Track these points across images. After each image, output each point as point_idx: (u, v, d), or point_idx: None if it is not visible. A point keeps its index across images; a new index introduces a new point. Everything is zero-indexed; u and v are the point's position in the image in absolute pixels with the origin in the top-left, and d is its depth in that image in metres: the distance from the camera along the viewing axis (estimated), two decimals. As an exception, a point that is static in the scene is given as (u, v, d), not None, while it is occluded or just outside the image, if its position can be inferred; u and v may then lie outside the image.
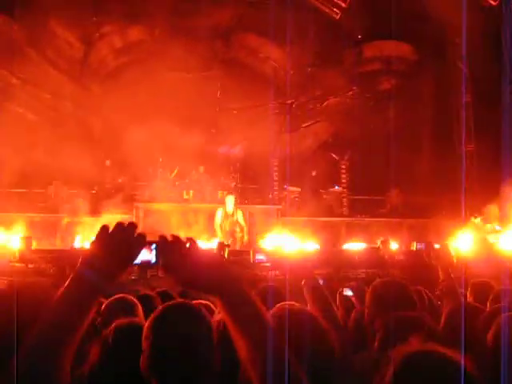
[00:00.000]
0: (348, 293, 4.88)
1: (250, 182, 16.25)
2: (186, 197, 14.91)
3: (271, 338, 1.70)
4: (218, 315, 2.63)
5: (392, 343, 2.16)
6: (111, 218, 13.46)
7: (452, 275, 5.30)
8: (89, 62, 17.01)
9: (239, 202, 13.86)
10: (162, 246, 1.86)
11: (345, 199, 16.39)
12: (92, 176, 14.29)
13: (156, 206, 14.41)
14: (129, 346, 2.43)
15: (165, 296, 4.58)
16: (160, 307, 2.42)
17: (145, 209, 14.37)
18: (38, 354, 1.70)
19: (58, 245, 13.19)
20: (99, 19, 16.35)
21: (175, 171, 15.38)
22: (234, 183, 15.55)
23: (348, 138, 16.21)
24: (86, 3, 15.78)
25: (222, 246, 11.11)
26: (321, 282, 4.27)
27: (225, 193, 14.13)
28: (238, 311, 1.76)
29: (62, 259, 8.51)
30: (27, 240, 10.40)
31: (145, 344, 2.31)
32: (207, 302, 3.43)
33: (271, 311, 2.35)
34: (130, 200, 14.44)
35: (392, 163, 13.99)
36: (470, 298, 5.23)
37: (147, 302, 4.07)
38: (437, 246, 10.09)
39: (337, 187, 16.64)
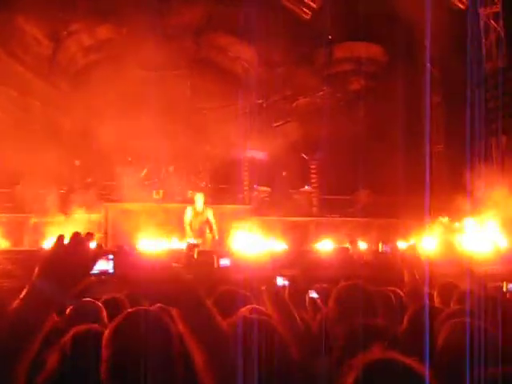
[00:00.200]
0: (313, 295, 4.89)
1: (219, 182, 16.23)
2: (155, 196, 14.85)
3: (226, 349, 1.70)
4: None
5: (352, 351, 2.18)
6: (80, 217, 13.38)
7: (417, 276, 5.36)
8: (57, 60, 16.83)
9: (209, 202, 13.83)
10: (118, 257, 1.85)
11: (315, 199, 16.46)
12: (61, 176, 14.14)
13: (125, 205, 14.31)
14: (87, 354, 2.41)
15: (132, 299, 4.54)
16: (120, 316, 2.40)
17: (114, 209, 14.27)
18: None
19: (25, 245, 13.04)
20: (67, 16, 16.18)
21: (145, 171, 15.29)
22: (204, 183, 15.53)
23: (318, 137, 16.26)
24: (53, 0, 15.59)
25: (191, 246, 11.10)
26: (286, 283, 4.27)
27: (194, 192, 14.10)
28: (194, 323, 1.76)
29: (29, 260, 8.41)
30: (-7, 240, 10.28)
31: (105, 354, 2.29)
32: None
33: (228, 320, 2.35)
34: (99, 200, 14.32)
35: (361, 163, 14.09)
36: (437, 299, 5.29)
37: (113, 306, 4.04)
38: (404, 246, 10.20)
39: (307, 187, 16.70)
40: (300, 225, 14.92)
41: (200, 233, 13.32)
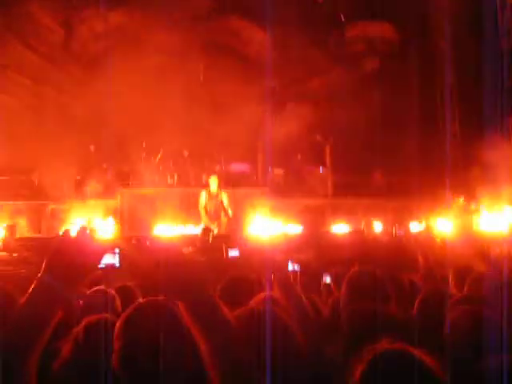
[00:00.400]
0: (327, 280, 4.90)
1: (234, 165, 16.22)
2: (170, 181, 14.90)
3: (232, 342, 1.71)
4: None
5: (359, 338, 2.19)
6: (96, 203, 13.47)
7: (431, 259, 5.34)
8: (70, 47, 16.84)
9: (223, 186, 13.83)
10: (125, 251, 1.86)
11: (329, 181, 16.40)
12: (76, 162, 14.22)
13: (141, 191, 14.38)
14: (98, 343, 2.44)
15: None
16: (131, 307, 2.42)
17: (129, 194, 14.35)
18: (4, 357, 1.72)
19: (43, 232, 13.16)
20: (79, 3, 16.18)
21: (159, 155, 15.31)
22: (218, 166, 15.53)
23: (332, 119, 16.19)
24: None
25: (206, 230, 11.14)
26: (297, 267, 4.27)
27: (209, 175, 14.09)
28: (200, 315, 1.77)
29: (44, 247, 8.49)
30: (11, 228, 10.39)
31: (116, 344, 2.32)
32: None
33: (238, 311, 2.36)
34: (114, 185, 14.38)
35: (376, 144, 14.01)
36: (452, 283, 5.26)
37: (126, 294, 4.07)
38: (419, 227, 10.17)
39: (321, 169, 16.65)
40: (315, 207, 14.89)
41: (215, 216, 13.35)
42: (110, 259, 1.89)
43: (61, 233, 1.92)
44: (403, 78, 16.42)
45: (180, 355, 2.27)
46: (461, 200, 13.12)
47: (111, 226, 11.76)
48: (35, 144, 13.05)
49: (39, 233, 13.11)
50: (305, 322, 2.61)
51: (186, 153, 15.19)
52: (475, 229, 10.85)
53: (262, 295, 3.03)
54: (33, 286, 1.79)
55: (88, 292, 3.85)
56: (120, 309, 3.73)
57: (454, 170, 14.69)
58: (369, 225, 11.09)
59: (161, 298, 2.35)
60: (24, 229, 12.67)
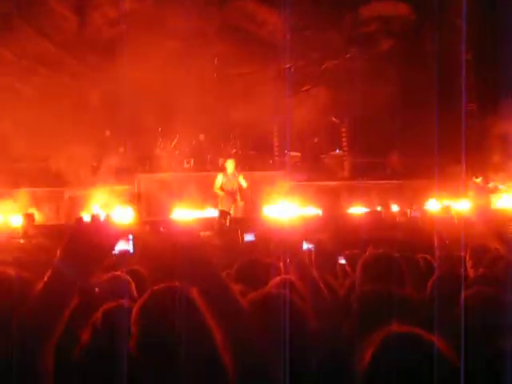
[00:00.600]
0: (342, 261, 4.90)
1: (250, 149, 16.21)
2: (186, 166, 14.92)
3: (245, 327, 1.73)
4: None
5: (368, 321, 2.20)
6: (113, 189, 13.53)
7: (447, 241, 5.32)
8: (84, 34, 16.86)
9: (240, 170, 13.83)
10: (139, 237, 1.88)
11: (346, 163, 16.36)
12: (92, 148, 14.28)
13: (158, 176, 14.42)
14: (116, 329, 2.48)
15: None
16: (146, 293, 2.45)
17: (146, 179, 14.39)
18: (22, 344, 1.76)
19: (61, 219, 13.26)
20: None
21: (175, 140, 15.32)
22: (235, 150, 15.52)
23: (348, 100, 16.09)
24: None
25: (224, 213, 11.17)
26: (311, 246, 4.26)
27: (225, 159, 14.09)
28: (215, 302, 1.79)
29: (61, 234, 8.55)
30: (30, 216, 10.48)
31: (134, 329, 2.35)
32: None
33: (252, 295, 2.38)
34: (131, 171, 14.43)
35: (392, 125, 13.92)
36: (469, 263, 5.23)
37: (135, 278, 4.10)
38: (437, 208, 10.10)
39: (338, 151, 16.60)
40: (331, 189, 14.85)
41: (232, 199, 13.34)
42: (124, 245, 1.91)
43: (74, 221, 1.94)
44: (419, 57, 16.28)
45: (195, 340, 2.29)
46: (478, 180, 13.01)
47: (129, 212, 11.84)
48: (52, 131, 13.12)
49: (57, 220, 13.20)
50: (321, 306, 2.62)
51: (202, 137, 15.20)
52: (493, 208, 10.78)
53: (278, 279, 3.05)
54: (48, 274, 1.81)
55: (103, 278, 3.88)
56: (135, 294, 3.77)
57: (471, 150, 14.57)
58: (386, 206, 11.06)
59: (176, 283, 2.37)
60: (42, 215, 12.77)
